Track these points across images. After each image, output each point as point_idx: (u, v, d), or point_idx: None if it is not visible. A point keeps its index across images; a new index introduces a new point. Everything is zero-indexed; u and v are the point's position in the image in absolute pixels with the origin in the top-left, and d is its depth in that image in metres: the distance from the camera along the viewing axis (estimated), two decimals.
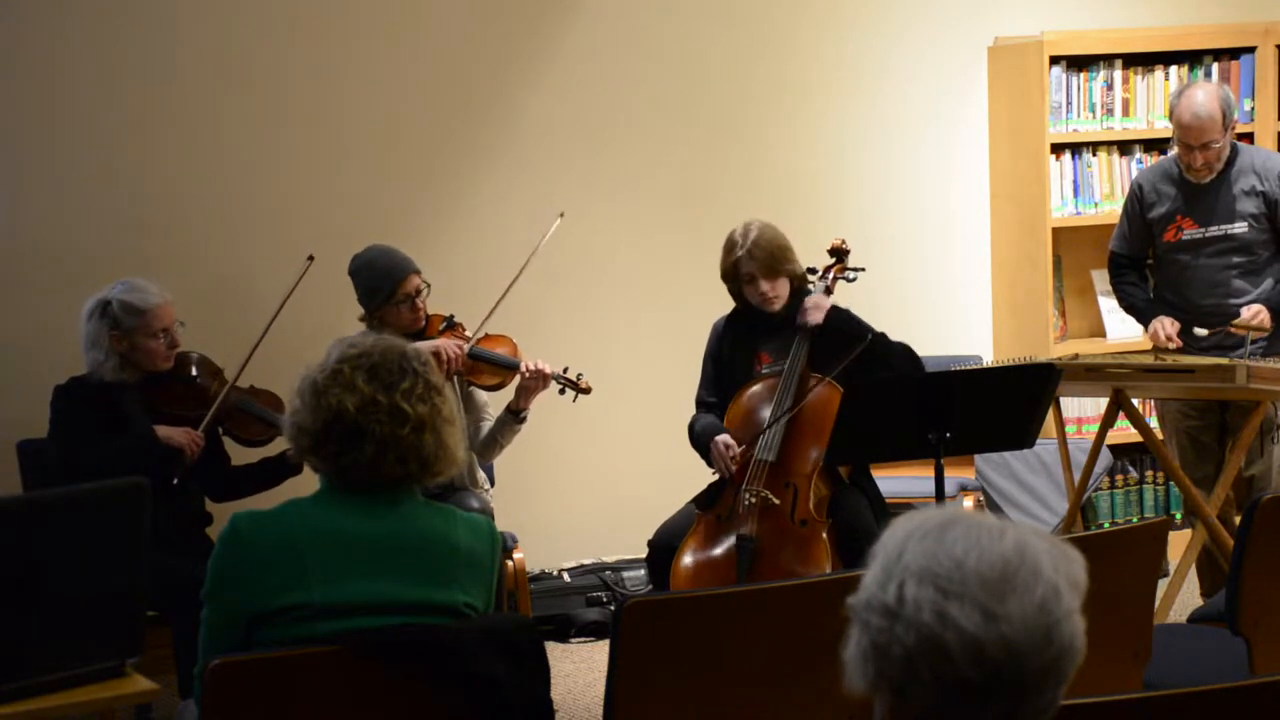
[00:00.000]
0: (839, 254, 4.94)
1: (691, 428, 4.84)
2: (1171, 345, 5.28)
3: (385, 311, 4.97)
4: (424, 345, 4.47)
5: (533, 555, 5.66)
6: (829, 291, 4.82)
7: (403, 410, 2.82)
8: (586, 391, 5.03)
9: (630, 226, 6.17)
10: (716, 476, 4.70)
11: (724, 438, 4.64)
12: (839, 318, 4.73)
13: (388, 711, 2.81)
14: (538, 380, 4.98)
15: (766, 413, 4.65)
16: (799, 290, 4.80)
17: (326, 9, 5.78)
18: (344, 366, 2.85)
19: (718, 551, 4.51)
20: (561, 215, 5.16)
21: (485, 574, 2.92)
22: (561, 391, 5.03)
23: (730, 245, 4.77)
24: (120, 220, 5.53)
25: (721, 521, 4.54)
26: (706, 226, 6.17)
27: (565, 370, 5.02)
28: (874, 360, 4.61)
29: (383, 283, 4.96)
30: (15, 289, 5.43)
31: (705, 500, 4.64)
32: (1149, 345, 5.47)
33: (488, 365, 5.04)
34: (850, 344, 4.58)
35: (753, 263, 4.69)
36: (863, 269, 4.96)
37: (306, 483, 3.03)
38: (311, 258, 4.94)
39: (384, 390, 2.82)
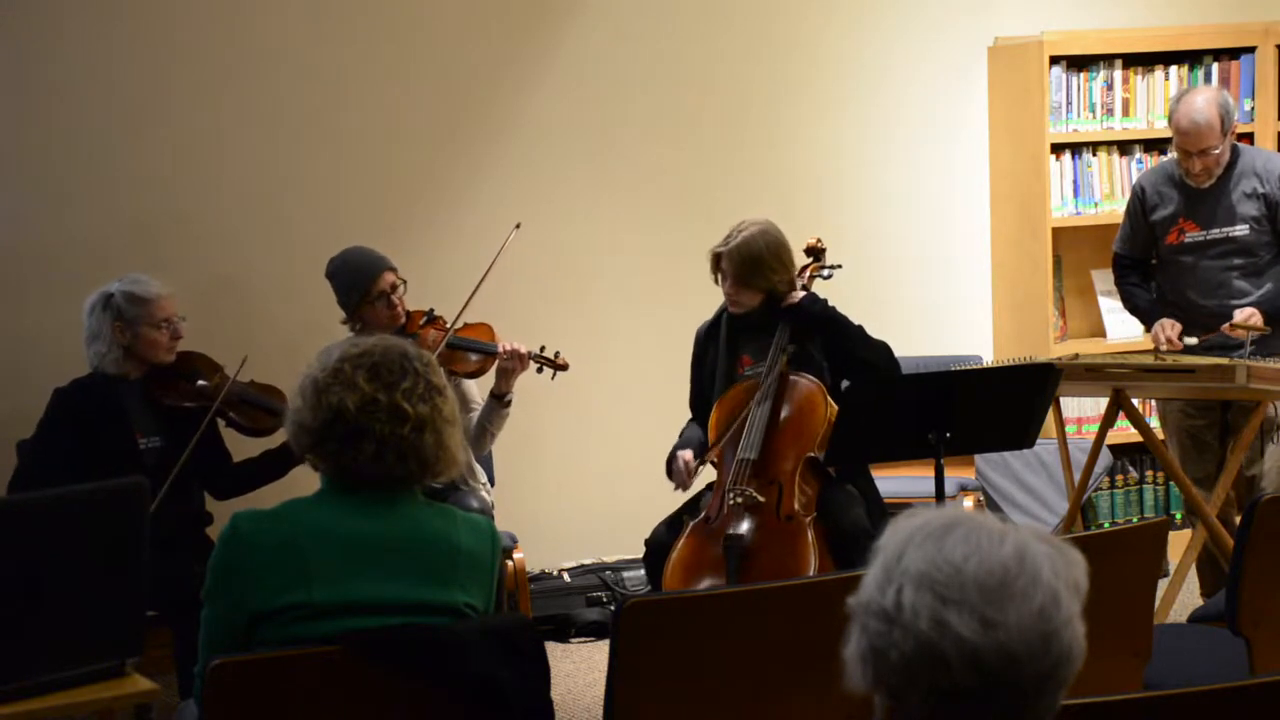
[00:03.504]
0: (814, 253, 4.96)
1: (680, 436, 4.87)
2: (1173, 348, 5.28)
3: (363, 310, 4.99)
4: None
5: (533, 555, 5.66)
6: (805, 289, 4.83)
7: (403, 410, 2.82)
8: (564, 368, 5.04)
9: (630, 227, 6.17)
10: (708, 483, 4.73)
11: (685, 453, 4.68)
12: (814, 306, 4.72)
13: (388, 711, 2.81)
14: (515, 360, 4.99)
15: (747, 414, 4.65)
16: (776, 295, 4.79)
17: (325, 11, 5.78)
18: (345, 365, 2.85)
19: (707, 554, 4.51)
20: (518, 226, 5.15)
21: (486, 575, 2.92)
22: (539, 370, 5.03)
23: (725, 235, 4.77)
24: (120, 220, 5.53)
25: (710, 523, 4.55)
26: (705, 226, 6.15)
27: (542, 349, 5.03)
28: (851, 353, 4.63)
29: (357, 281, 4.98)
30: (15, 289, 5.43)
31: (692, 505, 4.67)
32: (1150, 345, 5.48)
33: (465, 351, 5.05)
34: (829, 331, 4.68)
35: (727, 262, 4.71)
36: (839, 265, 4.96)
37: (308, 481, 3.02)
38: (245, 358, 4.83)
39: (385, 389, 2.82)
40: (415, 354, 2.91)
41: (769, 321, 4.75)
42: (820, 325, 4.72)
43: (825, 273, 4.95)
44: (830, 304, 4.76)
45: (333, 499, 2.86)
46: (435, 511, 2.91)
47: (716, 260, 4.75)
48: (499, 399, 5.09)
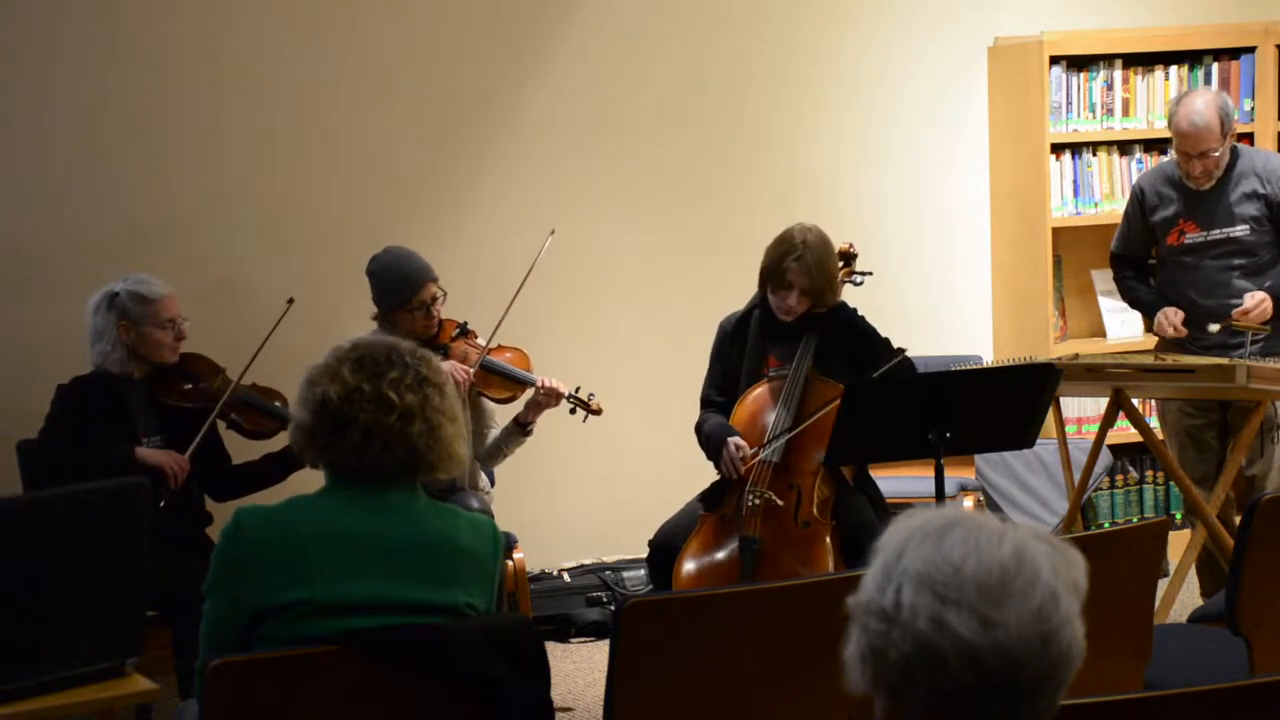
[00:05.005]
0: (846, 258, 4.93)
1: (700, 427, 4.81)
2: (1179, 335, 5.29)
3: (399, 315, 4.98)
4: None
5: (533, 555, 5.65)
6: None
7: (388, 399, 2.83)
8: (597, 413, 5.04)
9: (631, 228, 6.17)
10: (719, 476, 4.70)
11: (736, 440, 4.61)
12: (845, 315, 4.72)
13: (388, 711, 2.81)
14: (550, 397, 5.00)
15: (771, 416, 4.64)
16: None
17: (326, 11, 5.78)
18: (333, 360, 2.88)
19: (721, 553, 4.50)
20: (553, 232, 5.15)
21: (487, 575, 2.93)
22: (572, 411, 5.04)
23: (786, 247, 4.62)
24: (120, 221, 5.53)
25: (725, 522, 4.54)
26: (706, 227, 6.19)
27: (577, 390, 5.03)
28: (876, 363, 4.63)
29: (400, 288, 4.96)
30: (15, 289, 5.43)
31: (709, 501, 4.63)
32: (1150, 344, 5.48)
33: (501, 378, 5.04)
34: (858, 341, 4.66)
35: (804, 277, 4.60)
36: (870, 273, 4.96)
37: (307, 486, 3.02)
38: (291, 300, 4.89)
39: (370, 379, 2.84)
40: (408, 349, 2.93)
41: (798, 325, 4.73)
42: (851, 334, 4.69)
43: (856, 279, 4.92)
44: (858, 312, 4.74)
45: (335, 496, 2.86)
46: (438, 511, 2.92)
47: (782, 274, 4.60)
48: (521, 427, 5.09)
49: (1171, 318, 5.34)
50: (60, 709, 3.32)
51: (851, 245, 4.97)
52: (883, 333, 4.77)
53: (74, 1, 5.48)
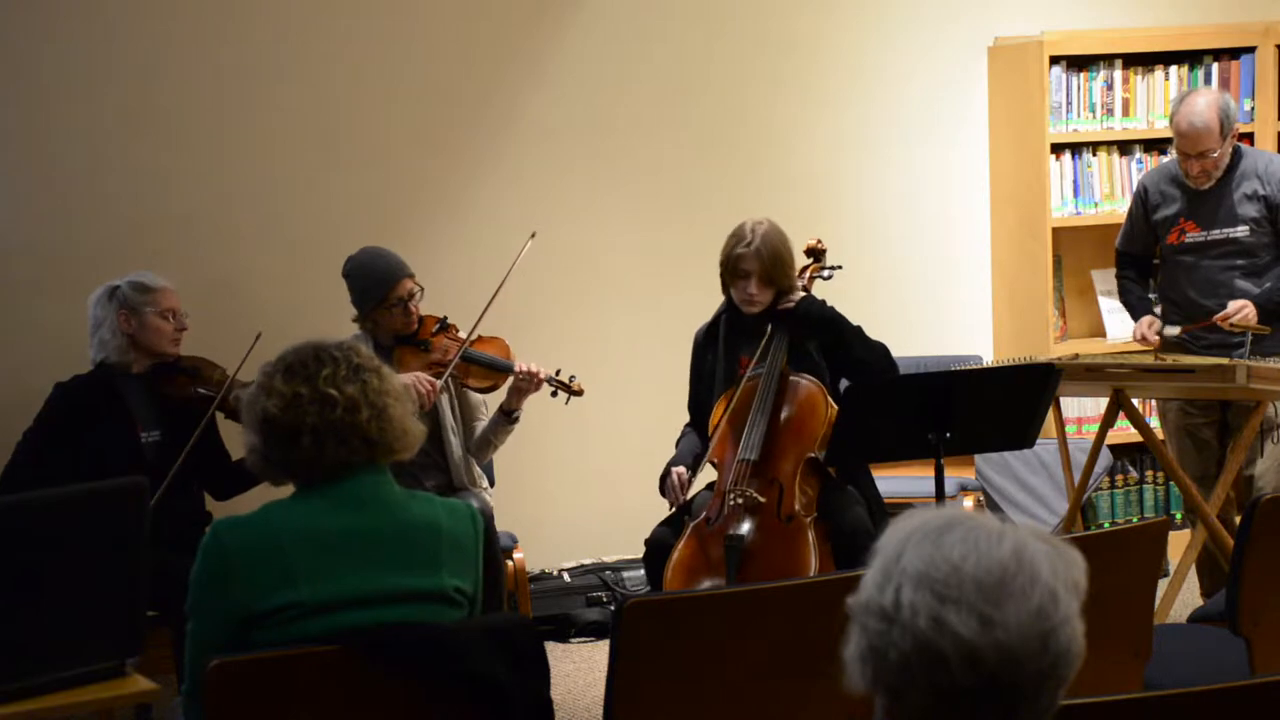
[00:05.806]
0: (814, 254, 4.95)
1: (677, 445, 4.86)
2: (1147, 346, 5.35)
3: (377, 314, 5.00)
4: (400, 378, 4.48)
5: (533, 555, 5.66)
6: (805, 290, 4.82)
7: (329, 395, 2.83)
8: (579, 393, 5.05)
9: (628, 227, 6.17)
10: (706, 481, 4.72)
11: (679, 469, 4.67)
12: (812, 307, 4.71)
13: (388, 711, 2.81)
14: (530, 382, 5.00)
15: (747, 416, 4.64)
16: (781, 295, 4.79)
17: (326, 11, 5.77)
18: (263, 376, 2.89)
19: (707, 554, 4.50)
20: (534, 235, 5.15)
21: (470, 556, 2.93)
22: (554, 394, 5.04)
23: (737, 237, 4.70)
24: (119, 221, 5.53)
25: (710, 524, 4.55)
26: (705, 226, 6.16)
27: (558, 372, 5.04)
28: (849, 353, 4.64)
29: (375, 287, 4.98)
30: (16, 289, 5.43)
31: (692, 505, 4.66)
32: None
33: (480, 367, 5.05)
34: (827, 329, 4.66)
35: (755, 262, 4.65)
36: (839, 266, 4.94)
37: None
38: (259, 335, 4.86)
39: (305, 383, 2.85)
40: (333, 343, 2.94)
41: (768, 320, 4.74)
42: (820, 326, 4.71)
43: (825, 273, 4.93)
44: (829, 304, 4.75)
45: (308, 498, 2.87)
46: (413, 498, 2.93)
47: (735, 263, 4.66)
48: (507, 415, 5.10)
49: (1144, 328, 5.42)
50: (60, 709, 3.32)
51: (819, 241, 4.97)
52: (883, 333, 4.77)
53: (74, 2, 5.48)
